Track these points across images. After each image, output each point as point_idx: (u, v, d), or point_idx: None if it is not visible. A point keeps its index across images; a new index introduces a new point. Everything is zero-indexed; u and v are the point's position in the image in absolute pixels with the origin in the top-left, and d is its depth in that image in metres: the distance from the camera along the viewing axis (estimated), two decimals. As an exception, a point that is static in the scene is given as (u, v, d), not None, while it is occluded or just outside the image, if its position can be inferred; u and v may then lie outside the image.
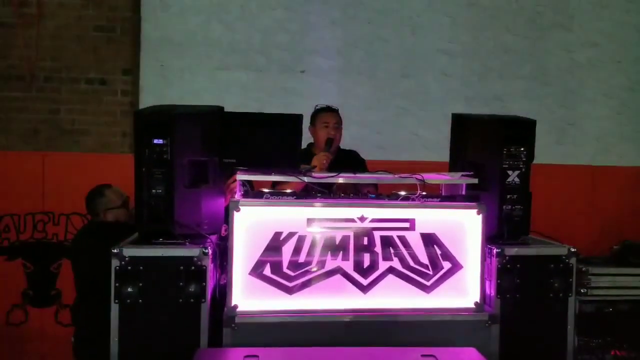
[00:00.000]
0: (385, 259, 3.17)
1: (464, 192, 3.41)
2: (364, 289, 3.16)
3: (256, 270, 3.09)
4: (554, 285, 3.30)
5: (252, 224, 3.09)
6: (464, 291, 3.22)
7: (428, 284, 3.20)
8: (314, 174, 3.36)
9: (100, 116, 5.87)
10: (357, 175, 3.47)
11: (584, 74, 6.44)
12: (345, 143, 4.82)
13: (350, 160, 4.15)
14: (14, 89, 5.82)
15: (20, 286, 5.48)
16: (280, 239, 3.11)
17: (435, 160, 5.27)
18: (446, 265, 3.21)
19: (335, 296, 3.14)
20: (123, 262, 3.03)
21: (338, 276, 3.15)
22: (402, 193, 3.24)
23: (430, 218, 3.21)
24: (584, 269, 3.59)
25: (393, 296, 3.17)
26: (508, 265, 3.26)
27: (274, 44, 6.18)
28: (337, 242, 3.15)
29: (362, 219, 3.16)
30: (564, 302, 3.32)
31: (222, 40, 6.14)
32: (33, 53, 5.79)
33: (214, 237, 3.25)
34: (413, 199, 3.20)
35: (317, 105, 4.46)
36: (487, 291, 3.28)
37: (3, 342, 5.40)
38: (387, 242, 3.18)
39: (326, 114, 4.38)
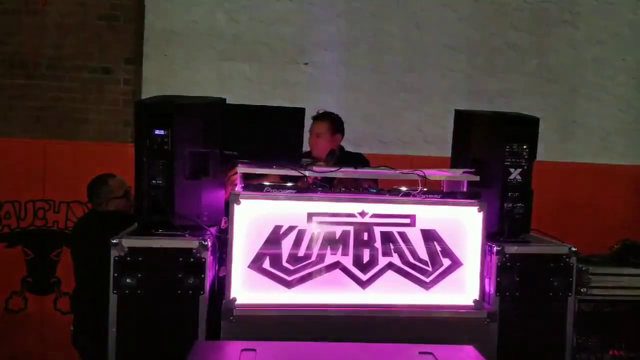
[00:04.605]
0: (385, 254, 3.16)
1: (465, 189, 3.40)
2: (363, 284, 3.16)
3: (255, 264, 3.09)
4: (553, 284, 3.29)
5: (252, 217, 3.08)
6: (463, 288, 3.21)
7: (427, 280, 3.19)
8: (315, 168, 3.35)
9: (102, 105, 5.87)
10: (358, 170, 3.46)
11: (588, 72, 6.42)
12: (348, 137, 4.82)
13: (355, 163, 4.13)
14: (17, 76, 5.82)
15: (20, 273, 5.49)
16: (280, 232, 3.10)
17: (437, 156, 5.27)
18: (446, 262, 3.20)
19: (334, 291, 3.13)
20: (122, 253, 3.02)
21: (337, 271, 3.14)
22: (403, 189, 3.23)
23: (431, 214, 3.20)
24: (584, 268, 3.57)
25: (392, 292, 3.17)
26: (508, 263, 3.25)
27: (278, 36, 6.16)
28: (337, 237, 3.14)
29: (362, 214, 3.16)
30: (563, 301, 3.32)
31: (226, 31, 6.13)
32: (36, 40, 5.78)
33: (213, 229, 3.25)
34: (414, 195, 3.19)
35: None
36: (487, 289, 3.27)
37: (2, 328, 5.41)
38: (387, 237, 3.17)
39: (312, 122, 4.45)
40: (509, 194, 3.36)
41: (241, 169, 3.26)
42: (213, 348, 2.90)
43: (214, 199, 3.31)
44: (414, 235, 3.19)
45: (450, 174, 3.52)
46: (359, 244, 3.15)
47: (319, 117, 4.48)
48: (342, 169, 3.36)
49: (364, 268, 3.16)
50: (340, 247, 3.14)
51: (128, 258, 3.02)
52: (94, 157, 5.34)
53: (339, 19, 6.20)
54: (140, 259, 3.03)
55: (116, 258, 3.02)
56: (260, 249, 3.09)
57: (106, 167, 4.33)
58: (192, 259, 3.05)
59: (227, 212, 3.12)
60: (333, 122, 4.47)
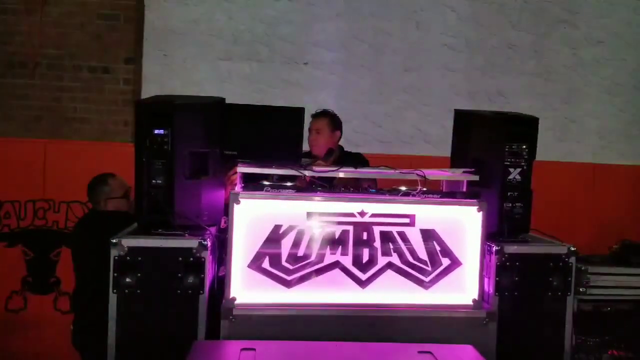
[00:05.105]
0: (384, 254, 3.17)
1: (464, 189, 3.40)
2: (363, 283, 3.16)
3: (255, 263, 3.09)
4: (552, 283, 3.30)
5: (252, 217, 3.09)
6: (462, 288, 3.22)
7: (427, 280, 3.19)
8: (315, 168, 3.36)
9: (102, 105, 5.86)
10: (358, 169, 3.46)
11: (588, 71, 6.42)
12: (347, 136, 4.83)
13: (355, 163, 4.15)
14: (17, 76, 5.81)
15: (19, 273, 5.49)
16: (280, 232, 3.11)
17: (436, 156, 5.27)
18: (445, 261, 3.20)
19: (334, 290, 3.14)
20: (122, 252, 3.03)
21: (337, 270, 3.15)
22: (403, 188, 3.23)
23: (430, 214, 3.20)
24: (583, 267, 3.59)
25: (391, 291, 3.17)
26: (507, 263, 3.26)
27: (278, 35, 6.16)
28: (336, 237, 3.14)
29: (362, 213, 3.16)
30: (562, 301, 3.32)
31: (226, 31, 6.13)
32: (36, 40, 5.77)
33: (213, 229, 3.25)
34: (413, 195, 3.20)
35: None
36: (486, 288, 3.28)
37: (2, 328, 5.41)
38: (386, 237, 3.17)
39: (311, 120, 4.49)
40: (509, 194, 3.36)
41: (241, 169, 3.26)
42: (213, 347, 2.91)
43: (214, 199, 3.31)
44: (414, 235, 3.19)
45: (450, 174, 3.52)
46: (359, 243, 3.16)
47: (318, 115, 4.54)
48: (343, 169, 3.36)
49: (364, 268, 3.16)
50: (340, 246, 3.14)
51: (128, 258, 3.03)
52: (93, 156, 5.34)
53: (339, 19, 6.20)
54: (140, 258, 3.04)
55: (116, 257, 3.03)
56: (260, 248, 3.09)
57: (106, 166, 4.32)
58: (191, 259, 3.05)
59: (227, 211, 3.13)
60: (332, 119, 4.53)
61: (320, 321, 3.08)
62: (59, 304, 5.48)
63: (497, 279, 3.25)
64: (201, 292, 3.05)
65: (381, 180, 3.71)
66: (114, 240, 3.04)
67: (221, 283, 3.22)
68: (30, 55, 5.80)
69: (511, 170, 3.36)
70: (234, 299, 3.06)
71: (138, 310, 3.05)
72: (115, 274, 3.03)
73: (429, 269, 3.20)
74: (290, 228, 3.11)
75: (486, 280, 3.28)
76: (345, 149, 4.63)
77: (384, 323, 3.12)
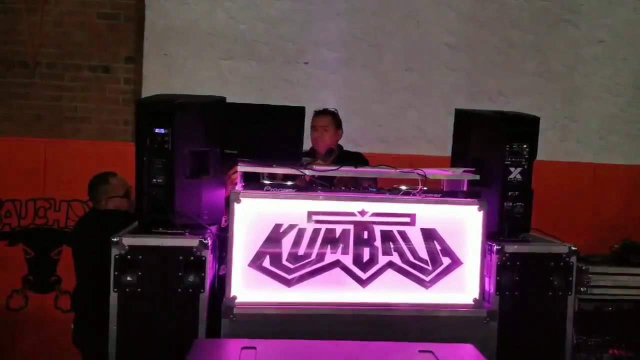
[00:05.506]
0: (384, 253, 3.17)
1: (465, 188, 3.40)
2: (363, 282, 3.16)
3: (255, 262, 3.09)
4: (553, 283, 3.29)
5: (253, 216, 3.09)
6: (463, 287, 3.22)
7: (427, 279, 3.19)
8: (316, 167, 3.36)
9: (102, 104, 5.86)
10: (359, 169, 3.46)
11: (589, 71, 6.42)
12: (348, 136, 4.83)
13: (354, 162, 4.16)
14: (17, 75, 5.81)
15: (20, 272, 5.49)
16: (280, 231, 3.11)
17: (437, 155, 5.27)
18: (446, 261, 3.21)
19: (334, 289, 3.14)
20: (122, 251, 3.03)
21: (337, 269, 3.15)
22: (403, 188, 3.23)
23: (431, 213, 3.20)
24: (583, 267, 3.59)
25: (392, 291, 3.17)
26: (508, 263, 3.25)
27: (278, 35, 6.16)
28: (337, 236, 3.14)
29: (362, 213, 3.16)
30: (563, 301, 3.31)
31: (226, 30, 6.13)
32: (36, 39, 5.77)
33: (213, 228, 3.25)
34: (414, 194, 3.20)
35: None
36: (487, 288, 3.28)
37: (2, 326, 5.41)
38: (387, 236, 3.17)
39: (315, 117, 4.52)
40: (509, 193, 3.35)
41: (241, 168, 3.26)
42: (213, 346, 2.91)
43: (214, 198, 3.31)
44: (414, 234, 3.19)
45: (451, 174, 3.52)
46: (359, 242, 3.16)
47: (321, 112, 4.57)
48: (343, 168, 3.36)
49: (364, 267, 3.16)
50: (341, 245, 3.15)
51: (128, 256, 3.03)
52: (94, 156, 5.34)
53: (339, 18, 6.20)
54: (140, 257, 3.03)
55: (117, 256, 3.03)
56: (261, 247, 3.09)
57: (106, 166, 4.32)
58: (192, 258, 3.05)
59: (228, 210, 3.13)
60: (335, 117, 4.56)
61: (321, 320, 3.08)
62: (59, 303, 5.48)
63: (497, 278, 3.25)
64: (202, 290, 3.05)
65: (382, 179, 3.71)
66: (115, 239, 3.04)
67: (222, 282, 3.23)
68: (30, 55, 5.80)
69: (512, 169, 3.35)
70: (234, 297, 3.06)
71: (139, 309, 3.04)
72: (116, 273, 3.02)
73: (430, 268, 3.20)
74: (291, 227, 3.11)
75: (487, 279, 3.28)
76: (344, 148, 4.64)
77: (385, 322, 3.12)
